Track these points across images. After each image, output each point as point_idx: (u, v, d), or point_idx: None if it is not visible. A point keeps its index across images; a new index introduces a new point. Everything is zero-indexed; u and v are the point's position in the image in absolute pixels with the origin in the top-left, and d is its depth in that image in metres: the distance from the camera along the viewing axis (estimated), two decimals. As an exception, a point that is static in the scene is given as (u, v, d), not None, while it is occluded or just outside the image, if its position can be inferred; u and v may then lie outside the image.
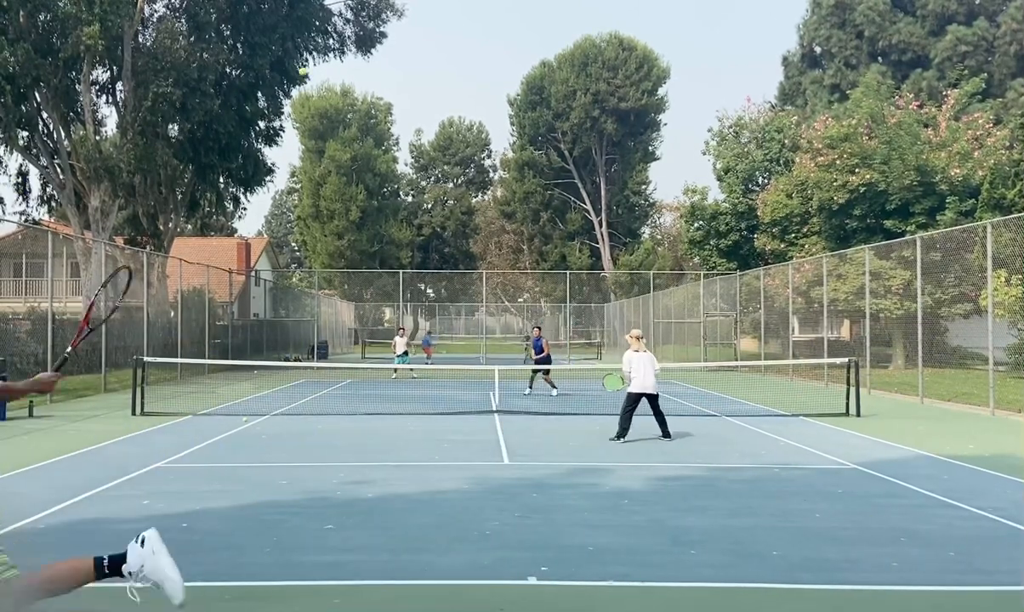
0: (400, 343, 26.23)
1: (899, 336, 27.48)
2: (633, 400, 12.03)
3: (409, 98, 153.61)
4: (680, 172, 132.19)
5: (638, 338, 12.37)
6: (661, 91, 62.06)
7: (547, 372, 20.24)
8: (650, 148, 64.77)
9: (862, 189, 28.26)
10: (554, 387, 20.08)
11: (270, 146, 33.36)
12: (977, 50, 39.29)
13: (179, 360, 23.45)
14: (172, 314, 27.99)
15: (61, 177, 27.64)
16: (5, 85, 23.44)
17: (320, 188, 64.00)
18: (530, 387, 20.44)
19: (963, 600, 5.36)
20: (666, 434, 12.12)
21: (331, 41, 33.84)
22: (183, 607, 4.00)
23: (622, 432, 11.92)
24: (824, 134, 30.21)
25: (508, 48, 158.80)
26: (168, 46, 27.36)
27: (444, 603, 5.25)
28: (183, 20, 29.81)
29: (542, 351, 20.11)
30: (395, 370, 25.95)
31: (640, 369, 12.05)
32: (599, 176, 63.22)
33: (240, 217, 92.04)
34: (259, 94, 31.41)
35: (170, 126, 29.04)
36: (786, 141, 37.48)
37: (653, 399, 12.10)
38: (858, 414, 14.97)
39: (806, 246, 31.78)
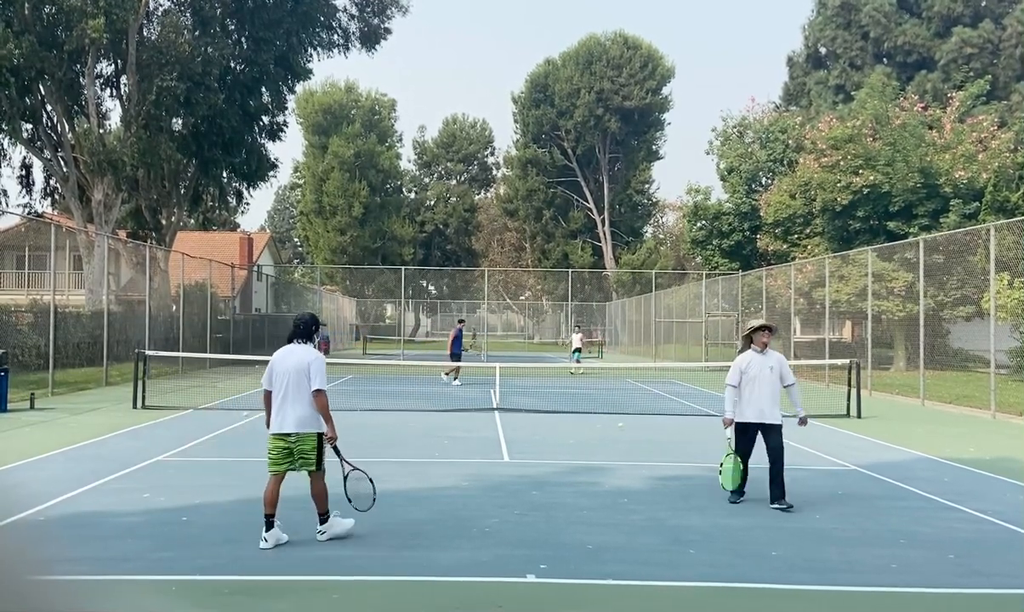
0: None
1: (901, 338, 27.46)
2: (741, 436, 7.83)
3: (413, 95, 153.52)
4: (683, 171, 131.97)
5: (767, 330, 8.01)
6: (665, 90, 62.05)
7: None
8: (653, 147, 64.69)
9: (865, 190, 28.21)
10: (449, 376, 22.47)
11: (273, 141, 33.42)
12: (982, 52, 39.17)
13: (180, 354, 23.46)
14: (174, 308, 28.02)
15: (64, 170, 27.67)
16: (10, 78, 23.46)
17: (323, 184, 64.01)
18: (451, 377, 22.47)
19: (963, 603, 5.35)
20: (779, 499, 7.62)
21: (336, 37, 33.85)
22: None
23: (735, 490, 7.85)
24: (828, 135, 30.17)
25: (512, 46, 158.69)
26: (173, 40, 27.35)
27: (443, 599, 5.25)
28: (188, 14, 29.82)
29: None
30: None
31: (749, 383, 7.86)
32: (602, 174, 63.14)
33: (243, 212, 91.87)
34: (263, 89, 31.40)
35: (174, 120, 29.04)
36: (790, 142, 37.43)
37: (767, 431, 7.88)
38: (859, 415, 14.96)
39: (809, 247, 31.74)
